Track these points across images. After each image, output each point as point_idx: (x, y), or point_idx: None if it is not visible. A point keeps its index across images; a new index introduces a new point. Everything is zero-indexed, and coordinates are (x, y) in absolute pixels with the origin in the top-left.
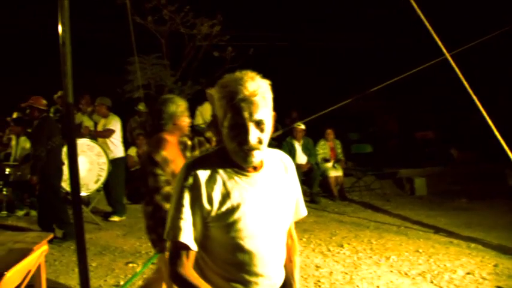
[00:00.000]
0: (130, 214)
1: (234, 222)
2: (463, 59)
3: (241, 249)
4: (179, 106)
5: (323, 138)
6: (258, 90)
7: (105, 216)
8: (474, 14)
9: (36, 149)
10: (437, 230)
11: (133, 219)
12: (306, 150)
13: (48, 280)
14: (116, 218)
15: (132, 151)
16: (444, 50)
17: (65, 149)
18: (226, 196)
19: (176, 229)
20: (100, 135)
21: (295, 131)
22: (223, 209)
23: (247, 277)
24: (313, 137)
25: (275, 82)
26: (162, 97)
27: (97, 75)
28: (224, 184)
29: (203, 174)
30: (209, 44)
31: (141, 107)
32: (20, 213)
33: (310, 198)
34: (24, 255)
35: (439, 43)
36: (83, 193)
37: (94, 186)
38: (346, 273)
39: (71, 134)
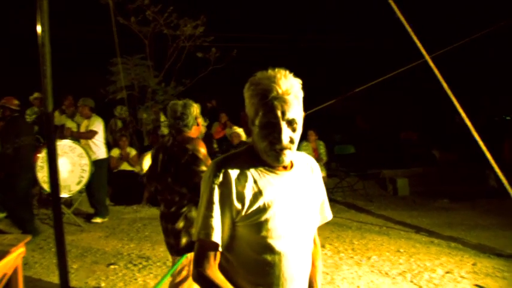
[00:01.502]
0: (113, 216)
1: (265, 221)
2: (445, 61)
3: (270, 249)
4: (197, 108)
5: (305, 140)
6: (291, 89)
7: (88, 217)
8: (456, 17)
9: (3, 146)
10: (418, 230)
11: (116, 220)
12: None
13: (28, 282)
14: (98, 220)
15: (115, 152)
16: (424, 53)
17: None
18: (258, 194)
19: (209, 228)
20: (82, 137)
21: None
22: (254, 207)
23: (274, 280)
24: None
25: None
26: (180, 101)
27: (80, 76)
28: (255, 182)
29: (233, 172)
30: (193, 44)
31: (120, 110)
32: (1, 215)
33: None
34: (0, 258)
35: (419, 46)
36: (65, 195)
37: (76, 188)
38: (327, 274)
39: (50, 135)
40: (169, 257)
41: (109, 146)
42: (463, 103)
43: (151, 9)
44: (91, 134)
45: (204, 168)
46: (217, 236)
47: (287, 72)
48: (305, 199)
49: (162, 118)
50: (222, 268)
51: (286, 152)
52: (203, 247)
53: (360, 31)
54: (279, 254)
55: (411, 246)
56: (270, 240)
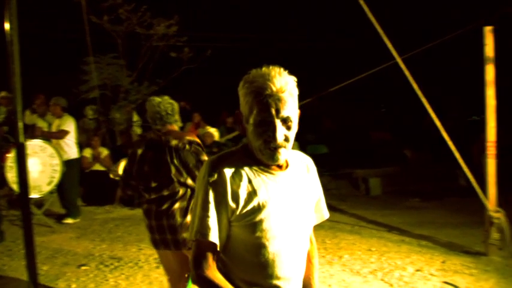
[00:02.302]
0: (85, 216)
1: (260, 222)
2: (415, 62)
3: (265, 250)
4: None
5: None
6: (286, 86)
7: (59, 218)
8: (426, 20)
9: None
10: (390, 229)
11: (88, 221)
12: None
13: None
14: (69, 221)
15: (87, 152)
16: (395, 54)
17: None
18: (252, 194)
19: (205, 228)
20: (53, 136)
21: None
22: (249, 207)
23: (269, 280)
24: None
25: (235, 83)
26: (160, 98)
27: (52, 75)
28: (250, 181)
29: (228, 171)
30: (166, 44)
31: (90, 110)
32: None
33: None
34: None
35: (390, 47)
36: (35, 195)
37: (47, 188)
38: None
39: (18, 135)
40: (142, 257)
41: (81, 146)
42: (433, 104)
43: (124, 8)
44: (62, 133)
45: (205, 157)
46: (214, 236)
47: (281, 69)
48: (300, 199)
49: (135, 118)
50: (218, 268)
51: (281, 150)
52: (201, 248)
53: (332, 32)
54: (273, 254)
55: (382, 245)
56: (264, 241)
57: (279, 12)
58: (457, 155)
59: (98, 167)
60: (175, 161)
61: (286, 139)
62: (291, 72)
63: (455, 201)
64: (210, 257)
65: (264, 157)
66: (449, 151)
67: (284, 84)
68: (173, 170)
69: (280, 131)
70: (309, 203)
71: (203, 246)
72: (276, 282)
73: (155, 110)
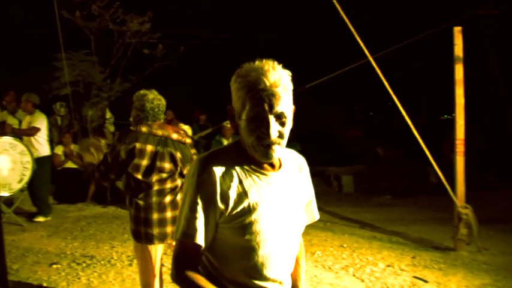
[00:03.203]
0: (56, 214)
1: (250, 224)
2: (388, 62)
3: (255, 253)
4: None
5: (237, 130)
6: (280, 81)
7: (30, 216)
8: (397, 19)
9: None
10: (362, 226)
11: (59, 219)
12: None
13: None
14: (40, 219)
15: (59, 150)
16: (367, 53)
17: None
18: (242, 195)
19: (192, 229)
20: (24, 134)
21: (224, 129)
22: (239, 209)
23: (258, 282)
24: None
25: (212, 80)
26: (155, 92)
27: (22, 72)
28: (241, 182)
29: (218, 170)
30: (139, 41)
31: (59, 107)
32: None
33: None
34: None
35: (362, 46)
36: (5, 193)
37: (17, 186)
38: None
39: None
40: (114, 255)
41: (52, 143)
42: (404, 103)
43: (96, 4)
44: (33, 131)
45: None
46: (200, 238)
47: (275, 63)
48: (292, 201)
49: (108, 115)
50: (205, 269)
51: (274, 147)
52: (185, 249)
53: (304, 30)
54: (263, 257)
55: (354, 242)
56: (254, 244)
57: (254, 9)
58: (428, 152)
59: (69, 164)
60: (178, 154)
61: (280, 136)
62: None
63: (426, 198)
64: (193, 258)
65: (257, 154)
66: (420, 149)
67: (278, 78)
68: (178, 162)
69: (274, 127)
70: (300, 204)
71: (188, 247)
72: (264, 284)
73: (150, 105)
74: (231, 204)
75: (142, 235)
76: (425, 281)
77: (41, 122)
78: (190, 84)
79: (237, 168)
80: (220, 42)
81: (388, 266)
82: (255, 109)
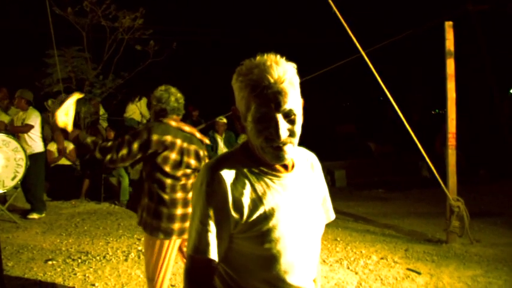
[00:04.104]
0: (50, 211)
1: (268, 232)
2: (380, 56)
3: (277, 262)
4: None
5: (243, 132)
6: (285, 76)
7: (24, 214)
8: (391, 13)
9: None
10: (355, 219)
11: (54, 216)
12: (228, 143)
13: None
14: (35, 216)
15: (52, 146)
16: (359, 48)
17: None
18: (257, 201)
19: (203, 244)
20: (17, 130)
21: (217, 125)
22: (254, 216)
23: None
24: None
25: (203, 77)
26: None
27: (14, 68)
28: (253, 187)
29: (228, 177)
30: (131, 37)
31: (52, 104)
32: None
33: None
34: None
35: (355, 41)
36: None
37: (11, 183)
38: None
39: None
40: (109, 251)
41: (46, 140)
42: (397, 97)
43: (88, 0)
44: (27, 128)
45: None
46: (213, 253)
47: (278, 57)
48: (309, 202)
49: (101, 111)
50: (221, 279)
51: (286, 148)
52: (197, 264)
53: (296, 26)
54: (285, 265)
55: (348, 235)
56: (275, 252)
57: (245, 5)
58: (420, 146)
59: (63, 161)
60: (202, 152)
61: (292, 134)
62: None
63: (418, 192)
64: (206, 274)
65: (268, 156)
66: (412, 143)
67: (282, 73)
68: (202, 160)
69: (283, 126)
70: (317, 204)
71: (200, 263)
72: None
73: (174, 98)
74: (246, 212)
75: (162, 229)
76: (419, 273)
77: (35, 119)
78: (182, 80)
79: (248, 172)
80: (212, 38)
81: (382, 258)
82: (261, 109)
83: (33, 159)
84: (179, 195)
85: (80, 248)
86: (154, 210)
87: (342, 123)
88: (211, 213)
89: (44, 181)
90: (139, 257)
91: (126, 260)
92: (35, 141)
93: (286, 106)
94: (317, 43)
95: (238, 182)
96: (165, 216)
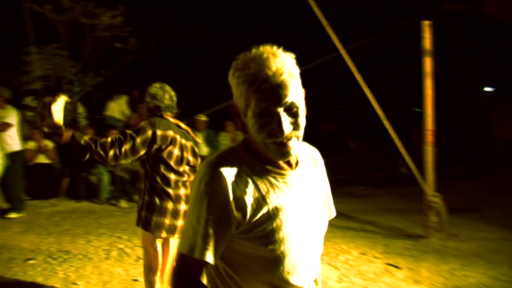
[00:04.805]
0: (29, 210)
1: (272, 233)
2: (359, 54)
3: (281, 263)
4: None
5: (224, 130)
6: (283, 67)
7: (2, 213)
8: (370, 14)
9: None
10: (336, 216)
11: (33, 215)
12: (208, 141)
13: None
14: (13, 215)
15: (31, 145)
16: (339, 45)
17: None
18: (260, 201)
19: (200, 245)
20: None
21: (197, 123)
22: (258, 216)
23: None
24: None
25: (182, 75)
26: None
27: None
28: (256, 186)
29: (229, 175)
30: (111, 35)
31: (30, 101)
32: None
33: None
34: None
35: (334, 38)
36: None
37: None
38: None
39: None
40: (91, 249)
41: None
42: (376, 95)
43: None
44: (4, 126)
45: None
46: (209, 255)
47: (275, 48)
48: (313, 201)
49: (80, 109)
50: (223, 281)
51: (290, 143)
52: (191, 265)
53: (277, 23)
54: (290, 267)
55: (329, 231)
56: (279, 253)
57: (227, 2)
58: (399, 143)
59: (41, 159)
60: (195, 148)
61: (296, 127)
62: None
63: (397, 188)
64: (197, 274)
65: (271, 153)
66: (391, 141)
67: (281, 65)
68: (198, 157)
69: (286, 120)
70: (321, 203)
71: (193, 263)
72: None
73: (168, 95)
74: (249, 212)
75: (166, 227)
76: (398, 268)
77: (13, 117)
78: (162, 78)
79: (251, 170)
80: (192, 36)
81: (362, 254)
82: (261, 104)
83: (12, 157)
84: (182, 191)
85: (61, 246)
86: (159, 206)
87: (323, 120)
88: (209, 213)
89: (22, 180)
90: (120, 255)
91: (107, 258)
92: (14, 140)
93: (288, 99)
94: (298, 41)
95: (240, 181)
96: (170, 212)
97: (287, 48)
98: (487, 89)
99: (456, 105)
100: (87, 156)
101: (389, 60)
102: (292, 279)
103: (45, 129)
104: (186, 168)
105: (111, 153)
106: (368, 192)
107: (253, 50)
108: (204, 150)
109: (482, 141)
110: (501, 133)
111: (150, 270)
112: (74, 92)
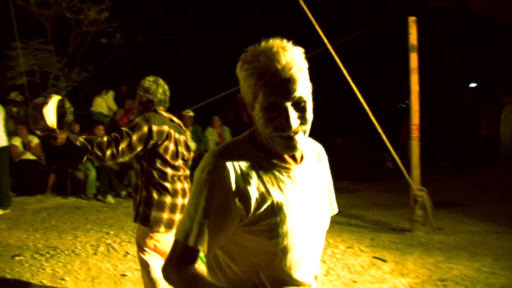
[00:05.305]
0: (15, 207)
1: (276, 227)
2: (346, 50)
3: (283, 257)
4: None
5: (210, 126)
6: (293, 61)
7: None
8: (355, 8)
9: None
10: None
11: (19, 211)
12: (195, 137)
13: None
14: None
15: (16, 141)
16: (326, 41)
17: None
18: (265, 194)
19: (195, 234)
20: None
21: (183, 118)
22: (262, 209)
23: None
24: (202, 124)
25: (171, 70)
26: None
27: None
28: (261, 178)
29: (233, 166)
30: (97, 30)
31: (15, 97)
32: None
33: None
34: None
35: (321, 34)
36: None
37: None
38: None
39: None
40: (78, 245)
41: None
42: (363, 91)
43: None
44: None
45: None
46: (204, 245)
47: (285, 41)
48: (317, 196)
49: (67, 105)
50: (223, 273)
51: (297, 137)
52: (184, 251)
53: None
54: (292, 261)
55: None
56: (282, 248)
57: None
58: (385, 138)
59: (28, 155)
60: (188, 143)
61: (303, 122)
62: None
63: (383, 183)
64: (191, 262)
65: (278, 147)
66: (377, 136)
67: (290, 59)
68: (191, 151)
69: (294, 115)
70: (324, 199)
71: (187, 250)
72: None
73: (162, 89)
74: (253, 204)
75: (164, 221)
76: (384, 261)
77: None
78: (150, 73)
79: (255, 163)
80: (179, 32)
81: (349, 247)
82: (269, 98)
83: None
84: (179, 185)
85: (48, 243)
86: (158, 201)
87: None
88: (208, 202)
89: (8, 176)
90: (108, 251)
91: (95, 253)
92: None
93: (296, 94)
94: (284, 36)
95: (244, 172)
96: (168, 207)
97: None
98: (473, 84)
99: (441, 101)
100: (84, 158)
101: (376, 56)
102: (294, 273)
103: (39, 133)
104: (182, 161)
105: (109, 152)
106: (354, 187)
107: (263, 43)
108: (191, 145)
109: (467, 136)
110: (485, 129)
111: (144, 267)
112: (60, 88)
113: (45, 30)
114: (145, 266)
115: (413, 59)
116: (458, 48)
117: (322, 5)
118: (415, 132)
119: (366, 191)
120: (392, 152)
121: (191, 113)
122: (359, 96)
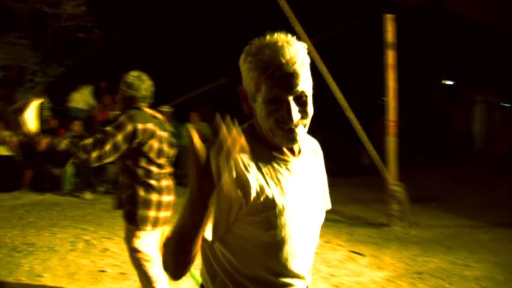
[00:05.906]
0: None
1: (274, 218)
2: (324, 46)
3: (280, 249)
4: None
5: (188, 121)
6: (297, 56)
7: None
8: (335, 7)
9: None
10: None
11: None
12: (176, 132)
13: None
14: None
15: None
16: (305, 37)
17: None
18: (263, 185)
19: (194, 219)
20: None
21: (162, 114)
22: (260, 200)
23: (283, 279)
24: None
25: (150, 65)
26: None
27: None
28: (260, 170)
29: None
30: (75, 24)
31: None
32: None
33: (179, 181)
34: None
35: (300, 30)
36: None
37: None
38: None
39: None
40: (56, 241)
41: None
42: (340, 87)
43: None
44: None
45: None
46: (202, 229)
47: (289, 36)
48: (313, 190)
49: (44, 101)
50: (218, 263)
51: (297, 129)
52: (184, 235)
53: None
54: (288, 252)
55: None
56: (279, 239)
57: None
58: (362, 134)
59: (1, 151)
60: (171, 139)
61: (304, 115)
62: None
63: (360, 178)
64: (190, 244)
65: (278, 139)
66: (354, 132)
67: (294, 54)
68: (174, 148)
69: (295, 109)
70: (320, 193)
71: (188, 236)
72: (288, 280)
73: (144, 85)
74: (252, 195)
75: (151, 219)
76: (362, 255)
77: None
78: (128, 68)
79: (255, 154)
80: (158, 27)
81: (327, 242)
82: (272, 91)
83: None
84: (164, 183)
85: (26, 239)
86: (144, 199)
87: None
88: (210, 192)
89: None
90: (86, 247)
91: (73, 250)
92: None
93: (299, 88)
94: (262, 32)
95: (245, 162)
96: (154, 205)
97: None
98: (448, 82)
99: (417, 98)
100: (68, 163)
101: (353, 53)
102: (290, 265)
103: (20, 137)
104: (166, 159)
105: (94, 155)
106: (331, 182)
107: (268, 37)
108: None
109: (442, 133)
110: (459, 126)
111: (138, 267)
112: (37, 83)
113: (21, 24)
114: (138, 266)
115: (390, 56)
116: (435, 46)
117: (301, 2)
118: (391, 128)
119: (343, 187)
120: (369, 147)
121: (168, 109)
122: (336, 92)
